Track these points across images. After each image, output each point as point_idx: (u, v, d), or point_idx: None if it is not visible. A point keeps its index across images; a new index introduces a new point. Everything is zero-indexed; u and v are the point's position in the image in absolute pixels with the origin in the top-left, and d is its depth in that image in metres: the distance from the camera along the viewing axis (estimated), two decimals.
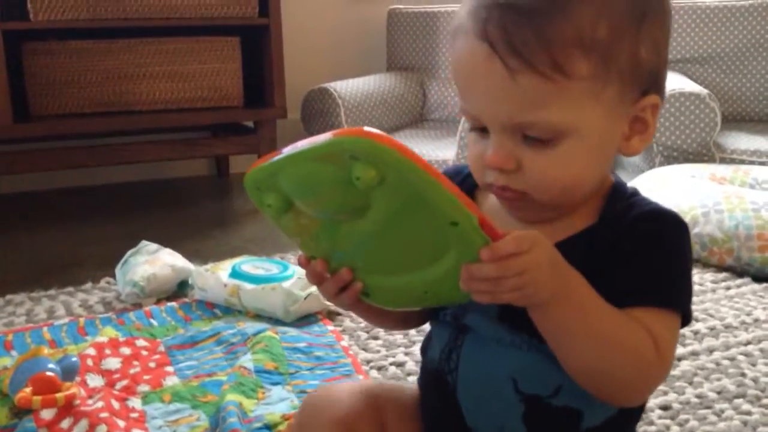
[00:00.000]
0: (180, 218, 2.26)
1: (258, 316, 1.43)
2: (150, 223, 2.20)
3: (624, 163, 2.58)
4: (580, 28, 0.61)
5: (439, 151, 2.30)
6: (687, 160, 2.21)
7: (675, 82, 2.30)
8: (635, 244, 0.66)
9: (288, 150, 0.57)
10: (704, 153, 2.22)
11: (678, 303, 0.67)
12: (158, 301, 1.53)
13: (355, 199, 0.57)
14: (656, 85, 0.67)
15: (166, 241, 1.75)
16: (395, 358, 1.25)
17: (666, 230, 0.67)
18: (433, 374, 0.75)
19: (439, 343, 0.75)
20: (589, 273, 0.63)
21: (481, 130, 0.66)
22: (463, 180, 0.74)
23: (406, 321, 0.81)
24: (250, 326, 1.34)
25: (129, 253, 1.62)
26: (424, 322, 0.81)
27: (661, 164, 2.23)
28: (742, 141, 2.29)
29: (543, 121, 0.62)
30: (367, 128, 0.54)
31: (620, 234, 0.66)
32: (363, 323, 1.39)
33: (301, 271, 1.49)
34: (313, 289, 1.43)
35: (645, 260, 0.66)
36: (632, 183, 2.02)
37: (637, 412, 0.76)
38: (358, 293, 0.66)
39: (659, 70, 0.67)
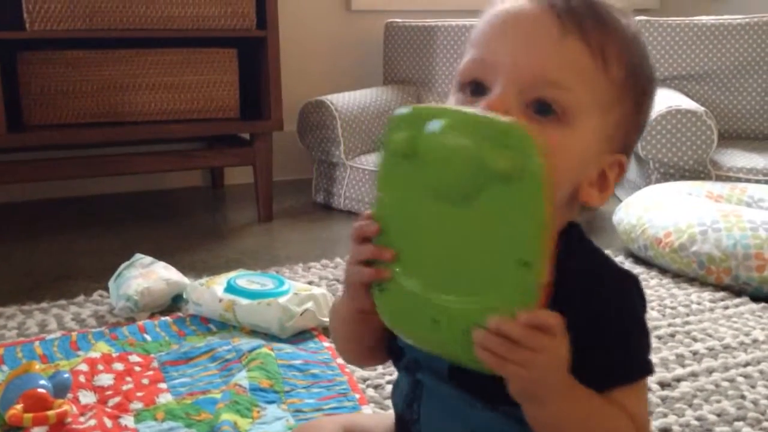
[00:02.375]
0: (174, 230, 2.24)
1: (253, 332, 1.41)
2: (144, 234, 2.18)
3: (622, 179, 2.58)
4: (623, 42, 0.64)
5: None
6: (683, 177, 2.21)
7: (672, 99, 2.30)
8: (590, 319, 0.62)
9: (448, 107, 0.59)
10: (701, 170, 2.23)
11: (645, 369, 0.66)
12: (152, 315, 1.51)
13: (470, 183, 0.56)
14: (626, 151, 0.69)
15: (160, 253, 1.73)
16: (392, 376, 1.24)
17: (619, 298, 0.65)
18: (399, 418, 0.76)
19: (402, 390, 0.74)
20: None
21: (476, 90, 0.64)
22: None
23: (367, 355, 0.77)
24: (245, 342, 1.33)
25: (123, 266, 1.61)
26: (384, 361, 0.79)
27: (658, 181, 2.23)
28: (738, 159, 2.29)
29: (568, 89, 0.61)
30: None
31: (570, 295, 0.61)
32: None
33: (296, 287, 1.47)
34: (309, 305, 1.41)
35: (608, 340, 0.64)
36: (629, 200, 2.02)
37: None
38: (379, 278, 0.62)
39: (633, 140, 0.69)
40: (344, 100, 2.48)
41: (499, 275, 0.56)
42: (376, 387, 1.21)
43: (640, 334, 0.67)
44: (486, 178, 0.55)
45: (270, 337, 1.39)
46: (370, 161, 2.40)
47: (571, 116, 0.61)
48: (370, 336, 0.72)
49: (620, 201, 2.09)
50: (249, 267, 1.77)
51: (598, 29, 0.62)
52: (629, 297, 0.66)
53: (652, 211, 1.86)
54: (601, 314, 0.64)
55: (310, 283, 1.66)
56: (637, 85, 0.66)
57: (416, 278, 0.60)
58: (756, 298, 1.61)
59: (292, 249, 2.04)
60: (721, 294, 1.63)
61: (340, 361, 1.29)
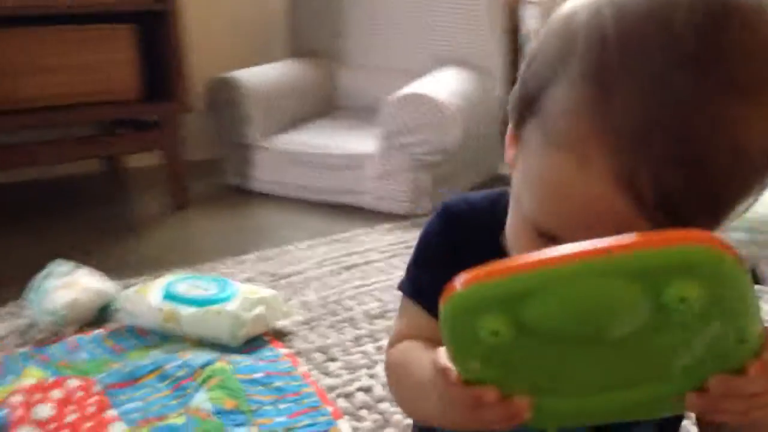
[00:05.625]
0: (80, 224, 2.07)
1: (199, 342, 1.32)
2: (47, 231, 2.01)
3: None
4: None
5: (355, 142, 2.22)
6: None
7: None
8: None
9: (552, 261, 0.40)
10: None
11: None
12: (80, 329, 1.38)
13: (649, 322, 0.41)
14: None
15: (66, 252, 1.58)
16: (360, 382, 1.18)
17: None
18: None
19: None
20: None
21: (550, 238, 0.50)
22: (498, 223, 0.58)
23: None
24: (195, 356, 1.23)
25: (41, 275, 1.46)
26: None
27: None
28: None
29: None
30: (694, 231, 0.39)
31: None
32: (316, 343, 1.31)
33: (242, 290, 1.38)
34: (260, 309, 1.33)
35: None
36: None
37: None
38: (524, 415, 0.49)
39: None
40: (252, 76, 2.36)
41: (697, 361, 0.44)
42: (347, 396, 1.15)
43: None
44: (678, 314, 0.41)
45: (220, 347, 1.30)
46: (286, 140, 2.30)
47: None
48: None
49: None
50: (170, 262, 1.66)
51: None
52: None
53: None
54: None
55: (249, 279, 1.57)
56: None
57: (562, 395, 0.48)
58: None
59: (214, 240, 1.93)
60: None
61: (302, 369, 1.22)
